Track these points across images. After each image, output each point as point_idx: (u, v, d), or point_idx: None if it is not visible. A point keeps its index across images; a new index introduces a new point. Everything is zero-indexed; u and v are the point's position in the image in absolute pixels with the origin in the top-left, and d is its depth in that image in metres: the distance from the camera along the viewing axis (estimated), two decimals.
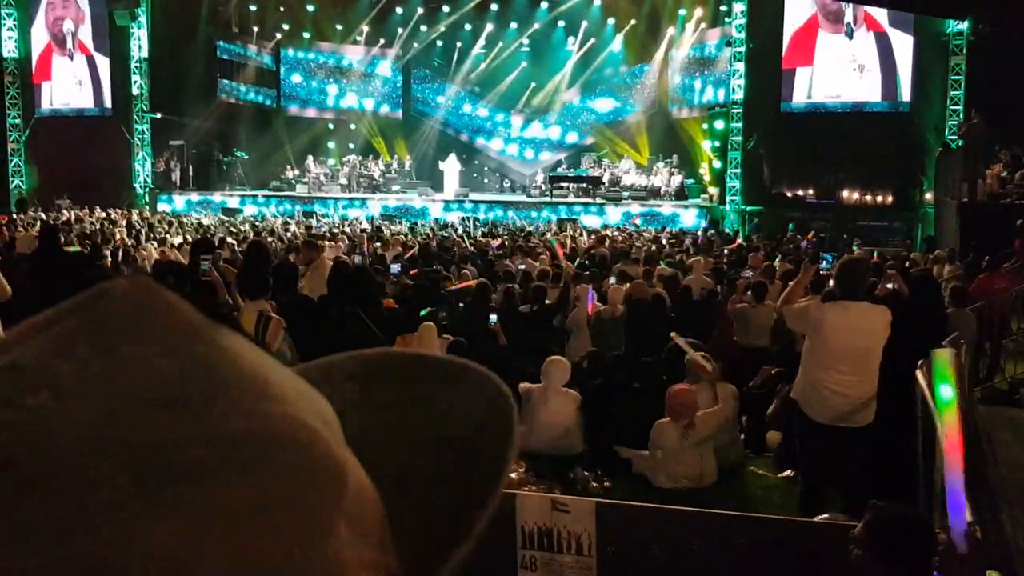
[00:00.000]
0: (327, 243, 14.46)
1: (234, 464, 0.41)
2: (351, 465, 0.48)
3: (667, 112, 29.85)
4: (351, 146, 32.53)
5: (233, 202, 27.65)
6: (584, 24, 30.72)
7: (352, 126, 33.48)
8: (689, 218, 24.63)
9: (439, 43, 33.26)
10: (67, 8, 27.93)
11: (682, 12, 28.47)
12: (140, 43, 27.23)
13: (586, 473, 6.80)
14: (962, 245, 14.82)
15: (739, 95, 24.12)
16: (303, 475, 0.43)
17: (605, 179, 27.66)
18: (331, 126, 33.59)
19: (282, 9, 31.32)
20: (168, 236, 16.91)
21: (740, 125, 24.17)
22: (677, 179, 26.95)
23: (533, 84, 32.31)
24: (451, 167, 29.91)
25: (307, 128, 32.70)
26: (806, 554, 3.78)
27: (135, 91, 27.35)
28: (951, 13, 21.04)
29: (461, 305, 10.00)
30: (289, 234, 17.83)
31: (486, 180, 32.54)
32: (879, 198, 23.32)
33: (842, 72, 23.75)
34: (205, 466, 0.40)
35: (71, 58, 28.14)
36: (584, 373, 8.12)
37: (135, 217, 21.40)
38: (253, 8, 30.62)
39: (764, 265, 12.32)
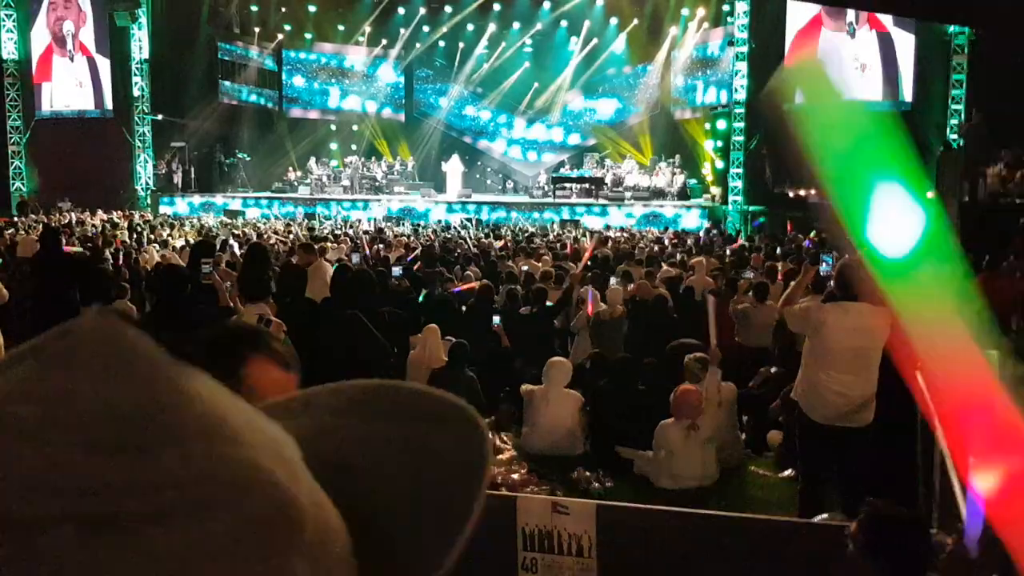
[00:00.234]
0: (330, 245, 14.48)
1: (183, 509, 0.41)
2: (312, 502, 0.47)
3: (669, 112, 29.85)
4: (353, 147, 32.50)
5: (235, 204, 27.65)
6: (587, 24, 30.70)
7: (354, 127, 33.46)
8: (692, 218, 24.64)
9: (441, 44, 33.20)
10: (68, 9, 27.92)
11: (685, 12, 28.47)
12: (141, 44, 27.21)
13: (588, 474, 6.82)
14: (963, 244, 14.81)
15: (741, 95, 24.12)
16: (254, 518, 0.43)
17: (608, 180, 27.68)
18: (333, 127, 33.56)
19: (283, 10, 31.31)
20: (170, 239, 16.94)
21: (742, 125, 24.17)
22: (679, 179, 26.96)
23: (536, 84, 32.30)
24: (454, 168, 29.91)
25: (309, 129, 32.68)
26: (806, 555, 3.79)
27: (136, 92, 27.33)
28: (952, 19, 21.01)
29: (464, 307, 10.02)
30: (292, 236, 17.84)
31: (489, 181, 32.52)
32: None
33: (844, 71, 23.72)
34: (153, 512, 0.40)
35: (71, 59, 28.14)
36: (587, 374, 8.14)
37: (137, 219, 21.41)
38: (254, 9, 30.60)
39: (766, 266, 12.31)
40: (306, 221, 23.45)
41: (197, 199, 27.82)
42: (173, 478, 0.41)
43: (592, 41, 30.98)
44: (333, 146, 33.00)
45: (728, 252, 15.95)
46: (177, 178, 28.32)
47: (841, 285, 5.66)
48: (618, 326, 9.41)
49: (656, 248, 16.97)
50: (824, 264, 8.14)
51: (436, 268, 12.04)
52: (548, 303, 9.64)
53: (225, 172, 29.89)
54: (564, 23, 31.28)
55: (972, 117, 18.37)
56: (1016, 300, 10.18)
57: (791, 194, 23.75)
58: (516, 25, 31.59)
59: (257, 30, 30.99)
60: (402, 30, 32.51)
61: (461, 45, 32.81)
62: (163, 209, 27.02)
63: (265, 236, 17.73)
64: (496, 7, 31.14)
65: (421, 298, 10.18)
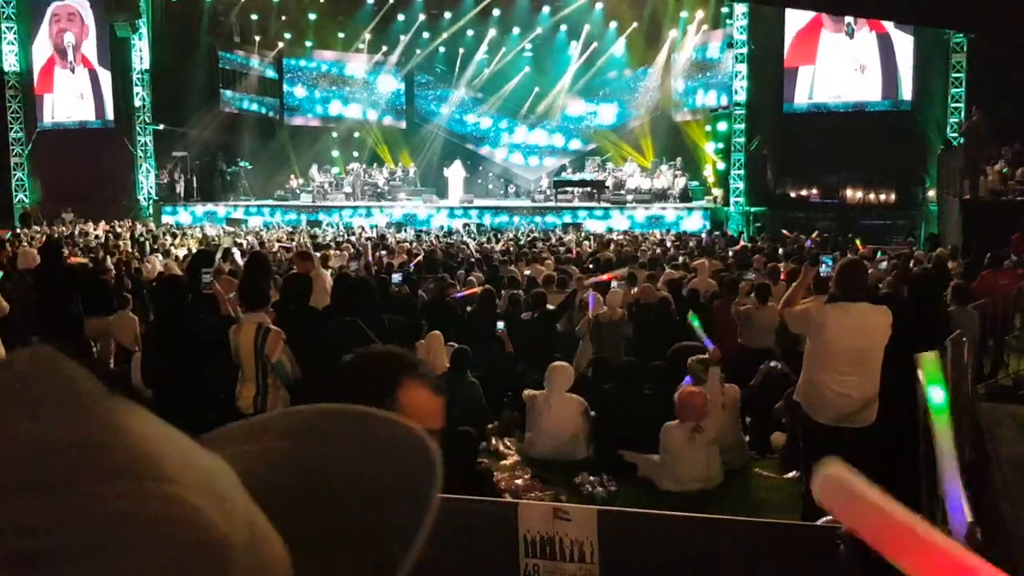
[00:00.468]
0: (332, 252, 14.49)
1: (110, 547, 0.40)
2: (247, 535, 0.47)
3: (670, 115, 29.85)
4: (355, 154, 32.52)
5: (238, 213, 27.66)
6: (586, 28, 30.69)
7: (356, 134, 33.46)
8: (694, 220, 24.64)
9: (441, 49, 33.18)
10: (72, 21, 28.02)
11: (684, 14, 28.47)
12: (142, 54, 27.30)
13: (592, 478, 6.81)
14: (965, 242, 14.83)
15: (741, 96, 24.16)
16: (178, 556, 0.43)
17: (609, 183, 27.68)
18: (335, 134, 33.55)
19: (284, 18, 31.38)
20: (173, 248, 16.97)
21: (743, 126, 24.21)
22: (681, 182, 26.97)
23: (537, 89, 32.29)
24: (456, 174, 29.95)
25: (311, 137, 32.70)
26: (809, 557, 3.78)
27: (137, 103, 27.41)
28: (950, 25, 20.99)
29: (467, 312, 10.02)
30: (294, 244, 17.86)
31: (491, 186, 32.56)
32: (882, 197, 23.29)
33: (843, 72, 23.77)
34: (79, 550, 0.40)
35: (73, 71, 28.23)
36: (590, 379, 8.14)
37: (139, 229, 21.44)
38: (254, 18, 30.66)
39: (769, 267, 12.31)
40: (308, 229, 23.48)
41: (200, 208, 27.87)
42: (98, 515, 0.41)
43: (592, 45, 30.97)
44: (335, 153, 33.00)
45: (730, 254, 15.95)
46: (179, 187, 28.38)
47: (840, 286, 5.65)
48: (618, 328, 9.39)
49: (659, 251, 16.97)
50: (824, 265, 8.13)
51: (439, 274, 12.05)
52: (550, 307, 9.64)
53: (227, 180, 29.93)
54: (563, 27, 31.28)
55: (972, 115, 18.35)
56: (1019, 296, 10.17)
57: (792, 194, 23.79)
58: (516, 30, 31.59)
59: (257, 39, 31.06)
60: (402, 37, 32.53)
61: (461, 51, 32.79)
62: (166, 219, 27.07)
63: (268, 244, 17.75)
64: (495, 12, 31.14)
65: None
